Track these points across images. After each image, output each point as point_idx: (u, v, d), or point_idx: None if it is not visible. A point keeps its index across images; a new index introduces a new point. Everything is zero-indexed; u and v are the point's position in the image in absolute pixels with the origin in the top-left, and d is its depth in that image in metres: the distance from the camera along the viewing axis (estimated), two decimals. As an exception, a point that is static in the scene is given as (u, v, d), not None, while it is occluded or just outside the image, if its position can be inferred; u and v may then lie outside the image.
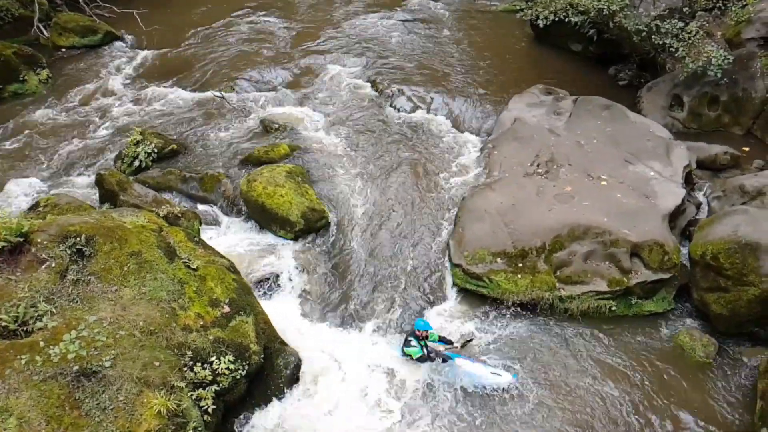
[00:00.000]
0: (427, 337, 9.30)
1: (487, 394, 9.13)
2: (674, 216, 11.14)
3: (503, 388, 9.14)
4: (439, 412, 8.93)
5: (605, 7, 14.55)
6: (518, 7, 17.89)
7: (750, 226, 9.55)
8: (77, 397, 6.35)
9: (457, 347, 9.54)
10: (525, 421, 8.80)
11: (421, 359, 9.27)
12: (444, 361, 9.33)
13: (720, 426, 8.75)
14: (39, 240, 7.51)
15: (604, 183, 11.57)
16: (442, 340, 9.53)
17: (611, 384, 9.29)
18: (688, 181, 12.19)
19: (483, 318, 10.37)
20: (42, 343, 6.53)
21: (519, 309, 10.35)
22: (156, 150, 13.28)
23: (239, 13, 20.99)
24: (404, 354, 9.38)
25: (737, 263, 9.33)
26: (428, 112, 15.50)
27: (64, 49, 18.68)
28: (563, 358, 9.67)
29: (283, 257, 11.25)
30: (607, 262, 10.37)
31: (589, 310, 10.19)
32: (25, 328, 6.80)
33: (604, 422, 8.79)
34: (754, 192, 11.18)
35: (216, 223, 12.22)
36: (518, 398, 9.08)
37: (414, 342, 9.20)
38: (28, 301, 6.99)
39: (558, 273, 10.41)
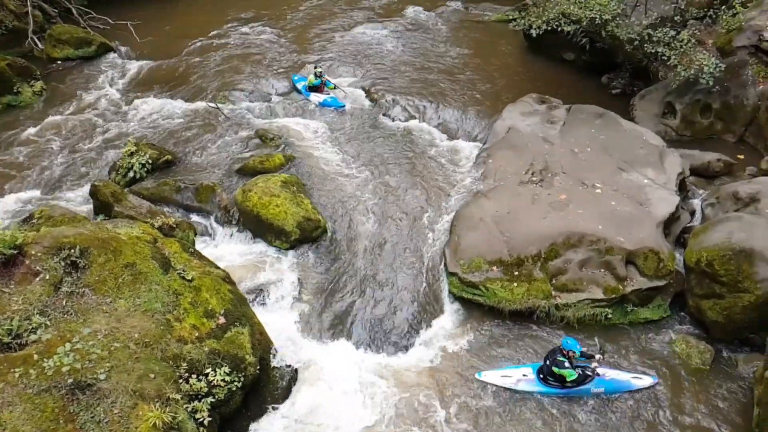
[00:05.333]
0: (573, 357, 8.98)
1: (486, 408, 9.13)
2: (668, 223, 11.19)
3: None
4: (433, 422, 8.89)
5: (597, 16, 14.65)
6: (511, 17, 17.98)
7: (744, 233, 9.60)
8: (72, 410, 6.30)
9: (599, 359, 9.15)
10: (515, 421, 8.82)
11: (576, 381, 9.01)
12: (590, 379, 9.13)
13: (717, 433, 8.76)
14: (33, 252, 7.48)
15: (598, 191, 11.61)
16: (584, 355, 9.20)
17: (608, 392, 9.29)
18: (682, 189, 12.24)
19: (480, 326, 10.36)
20: (36, 356, 6.49)
21: (515, 317, 10.35)
22: (150, 161, 13.25)
23: (233, 24, 21.06)
24: (552, 375, 9.10)
25: (732, 270, 9.36)
26: (422, 121, 15.57)
27: (58, 61, 18.66)
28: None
29: (278, 267, 11.22)
30: (602, 270, 10.39)
31: (585, 317, 10.21)
32: (19, 341, 6.76)
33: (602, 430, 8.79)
34: (747, 199, 11.22)
35: (211, 233, 12.20)
36: (514, 400, 9.09)
37: (567, 363, 8.90)
38: (22, 313, 6.95)
39: (554, 281, 10.42)
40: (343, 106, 15.88)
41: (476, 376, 9.48)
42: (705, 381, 9.43)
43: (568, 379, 8.99)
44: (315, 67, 16.47)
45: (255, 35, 20.25)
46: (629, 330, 10.29)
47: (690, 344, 9.80)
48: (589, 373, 9.12)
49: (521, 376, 9.38)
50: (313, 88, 16.24)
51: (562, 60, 18.00)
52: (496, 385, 9.35)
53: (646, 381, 9.34)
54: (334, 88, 16.29)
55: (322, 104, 15.91)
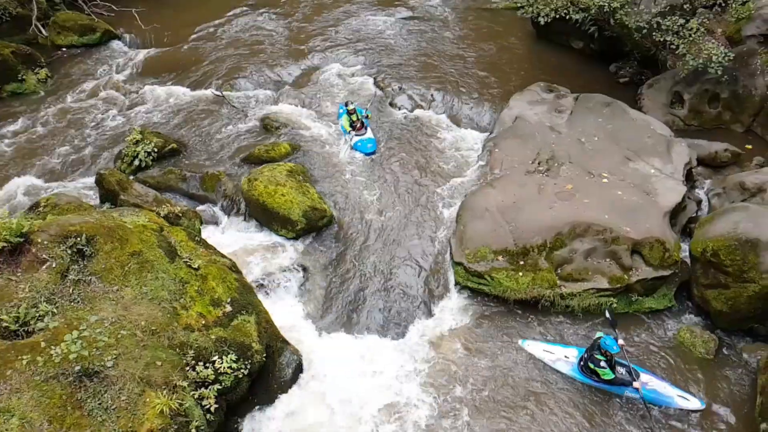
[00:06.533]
0: (611, 358, 8.78)
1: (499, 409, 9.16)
2: (675, 213, 11.14)
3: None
4: (439, 410, 8.94)
5: (606, 4, 14.51)
6: (519, 5, 17.79)
7: (750, 223, 9.54)
8: (79, 397, 6.35)
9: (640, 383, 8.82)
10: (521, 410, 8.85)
11: (614, 382, 8.82)
12: (629, 383, 8.76)
13: (720, 421, 8.78)
14: (39, 240, 7.51)
15: (605, 180, 11.56)
16: (622, 362, 9.00)
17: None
18: (689, 178, 12.18)
19: (486, 314, 10.38)
20: (43, 344, 6.53)
21: (521, 306, 10.37)
22: (156, 149, 13.26)
23: (239, 11, 20.93)
24: (587, 371, 9.00)
25: (738, 260, 9.33)
26: (429, 109, 15.49)
27: (63, 48, 18.60)
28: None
29: (284, 256, 11.26)
30: (608, 260, 10.38)
31: (590, 307, 10.21)
32: (26, 329, 6.81)
33: (606, 418, 8.82)
34: (754, 189, 11.17)
35: (217, 222, 12.23)
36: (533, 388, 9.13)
37: (603, 362, 8.69)
38: (29, 301, 6.99)
39: (559, 270, 10.41)
40: (374, 152, 13.90)
41: (520, 343, 9.74)
42: (709, 370, 9.43)
43: (602, 378, 8.83)
44: (346, 104, 14.25)
45: (260, 23, 20.12)
46: (634, 319, 10.28)
47: (694, 334, 9.79)
48: (628, 377, 8.81)
49: (563, 357, 9.42)
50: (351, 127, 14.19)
51: (570, 48, 17.83)
52: (534, 357, 9.54)
53: (693, 403, 8.86)
54: (367, 117, 14.38)
55: (354, 147, 13.97)
